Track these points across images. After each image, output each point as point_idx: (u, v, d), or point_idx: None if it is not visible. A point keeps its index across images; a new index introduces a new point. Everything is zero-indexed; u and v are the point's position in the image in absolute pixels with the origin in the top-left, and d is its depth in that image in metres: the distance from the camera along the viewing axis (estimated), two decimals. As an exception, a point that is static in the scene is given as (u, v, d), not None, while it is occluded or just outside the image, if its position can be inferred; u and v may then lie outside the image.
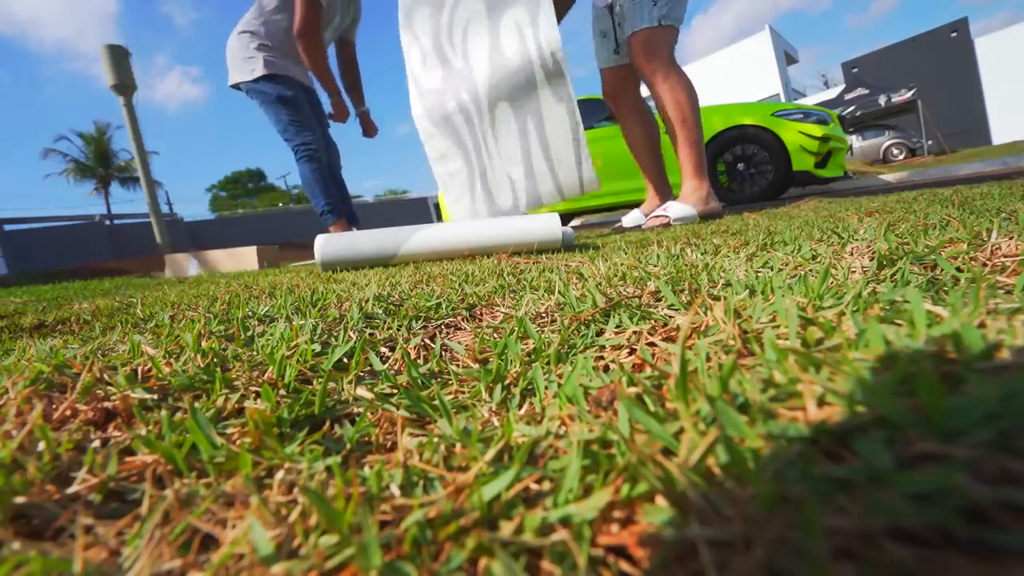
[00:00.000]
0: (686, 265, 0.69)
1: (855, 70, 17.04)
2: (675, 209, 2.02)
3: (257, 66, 2.53)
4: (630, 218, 2.40)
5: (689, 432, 0.21)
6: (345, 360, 0.45)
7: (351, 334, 0.52)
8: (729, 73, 17.59)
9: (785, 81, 17.27)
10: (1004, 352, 0.23)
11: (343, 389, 0.38)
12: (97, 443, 0.30)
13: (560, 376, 0.36)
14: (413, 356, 0.47)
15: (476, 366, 0.42)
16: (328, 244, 1.56)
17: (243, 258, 4.03)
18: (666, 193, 2.42)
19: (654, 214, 2.05)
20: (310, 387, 0.38)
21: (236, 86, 2.65)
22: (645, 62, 2.05)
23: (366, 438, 0.30)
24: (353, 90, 2.96)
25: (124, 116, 4.71)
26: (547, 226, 1.51)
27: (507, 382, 0.36)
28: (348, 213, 2.74)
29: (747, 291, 0.46)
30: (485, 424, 0.31)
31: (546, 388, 0.34)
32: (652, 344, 0.39)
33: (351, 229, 2.65)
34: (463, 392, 0.37)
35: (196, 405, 0.34)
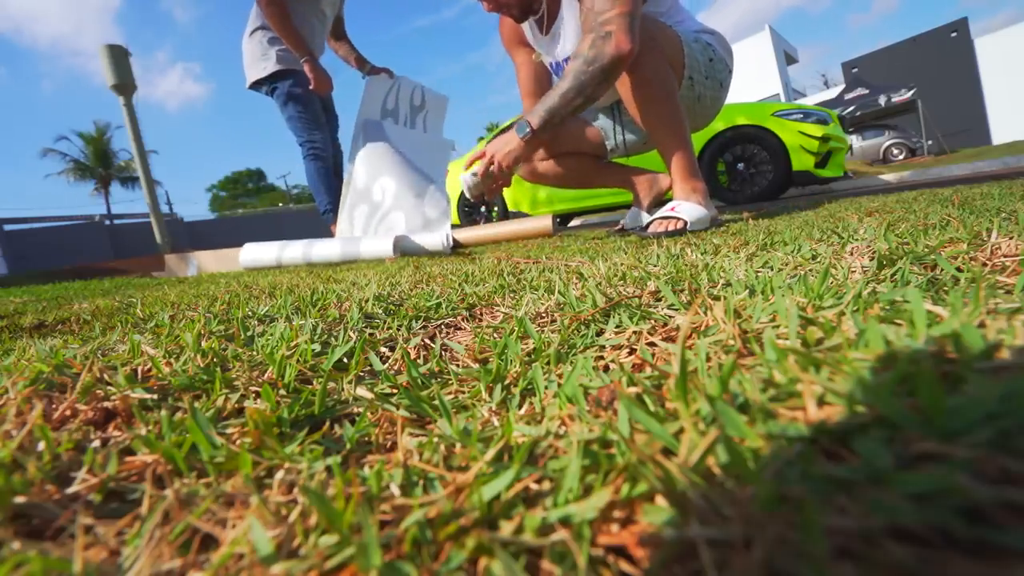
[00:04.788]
0: (686, 265, 0.69)
1: (855, 70, 17.02)
2: (686, 209, 1.54)
3: (269, 64, 2.55)
4: (630, 217, 2.08)
5: (689, 432, 0.21)
6: (345, 360, 0.45)
7: (351, 334, 0.52)
8: (729, 73, 17.52)
9: (785, 81, 17.26)
10: (1004, 352, 0.23)
11: (343, 389, 0.38)
12: (97, 443, 0.30)
13: (560, 376, 0.36)
14: (413, 356, 0.47)
15: (476, 366, 0.42)
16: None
17: (243, 258, 4.03)
18: (651, 174, 2.02)
19: (660, 213, 1.61)
20: (310, 387, 0.38)
21: (256, 87, 2.67)
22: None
23: (366, 438, 0.30)
24: (352, 56, 2.96)
25: (124, 116, 4.70)
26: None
27: (507, 382, 0.36)
28: None
29: (747, 291, 0.46)
30: (485, 424, 0.31)
31: (546, 388, 0.33)
32: (652, 344, 0.39)
33: None
34: (463, 392, 0.37)
35: (196, 405, 0.34)
